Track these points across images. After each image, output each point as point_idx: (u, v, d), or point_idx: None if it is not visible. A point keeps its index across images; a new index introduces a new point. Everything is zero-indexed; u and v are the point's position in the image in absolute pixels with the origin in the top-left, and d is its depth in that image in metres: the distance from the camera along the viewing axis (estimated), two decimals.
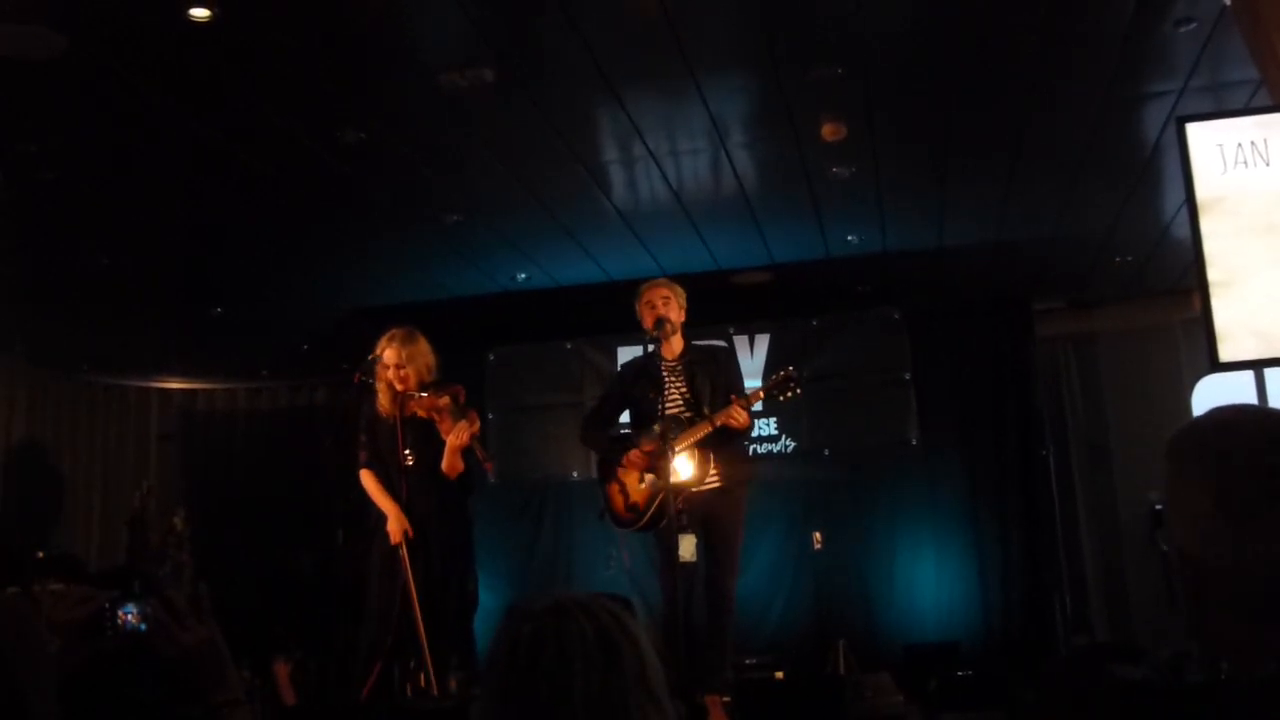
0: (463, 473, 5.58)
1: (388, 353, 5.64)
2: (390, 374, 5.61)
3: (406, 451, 5.59)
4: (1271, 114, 4.38)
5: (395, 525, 5.56)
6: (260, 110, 5.31)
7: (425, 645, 5.41)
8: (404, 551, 5.53)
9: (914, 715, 6.06)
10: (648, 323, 5.68)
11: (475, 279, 8.09)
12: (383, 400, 5.67)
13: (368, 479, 5.71)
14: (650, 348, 5.71)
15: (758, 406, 5.66)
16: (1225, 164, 4.32)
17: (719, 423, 5.42)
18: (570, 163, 6.12)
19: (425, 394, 5.58)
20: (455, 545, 5.74)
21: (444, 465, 5.52)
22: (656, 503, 5.50)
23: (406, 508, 5.56)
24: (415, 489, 5.59)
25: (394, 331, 5.72)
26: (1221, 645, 1.48)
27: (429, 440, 5.57)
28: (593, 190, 6.55)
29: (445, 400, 5.54)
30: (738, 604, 5.78)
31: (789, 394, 5.55)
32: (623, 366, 6.20)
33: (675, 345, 5.75)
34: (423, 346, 5.70)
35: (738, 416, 5.41)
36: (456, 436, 5.45)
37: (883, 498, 8.86)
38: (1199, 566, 1.48)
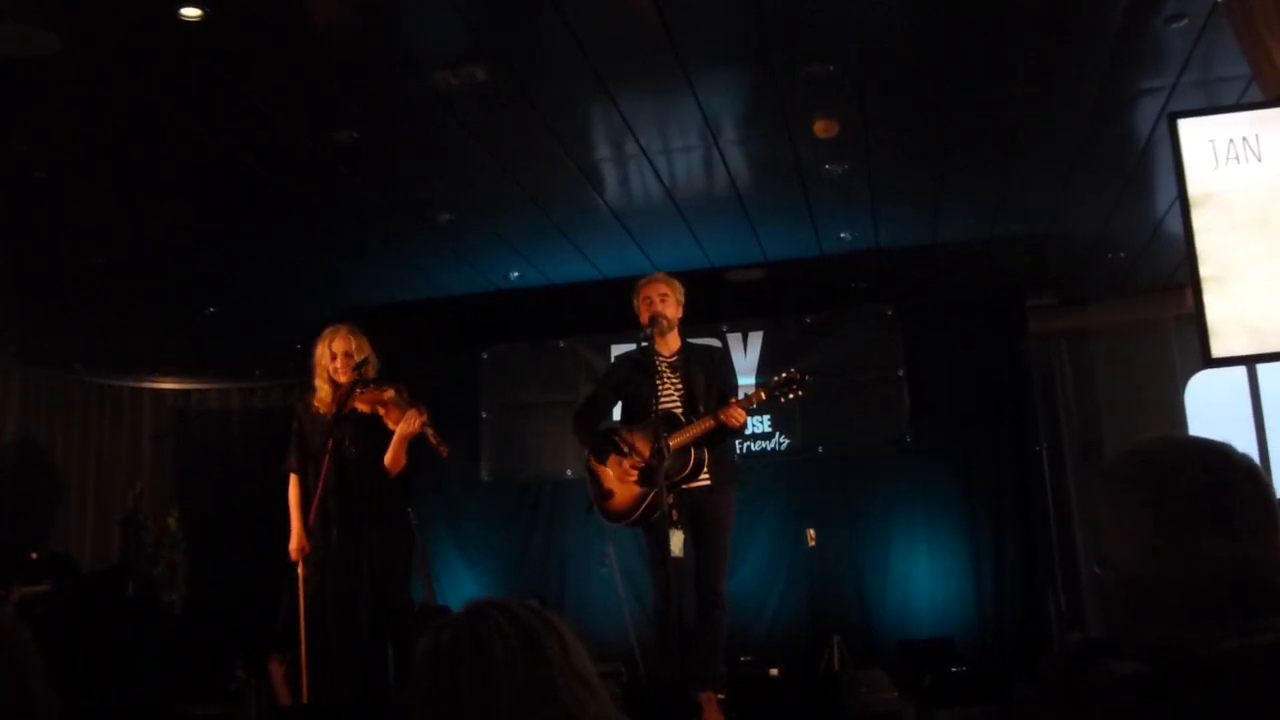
0: (402, 470, 5.48)
1: (336, 342, 5.54)
2: (338, 364, 5.50)
3: (348, 443, 5.44)
4: (1263, 109, 4.38)
5: (294, 543, 5.50)
6: (253, 109, 5.30)
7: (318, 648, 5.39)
8: (300, 568, 5.48)
9: (909, 711, 6.06)
10: (644, 318, 5.67)
11: (469, 277, 8.08)
12: (321, 396, 5.55)
13: (292, 486, 5.63)
14: (644, 344, 5.67)
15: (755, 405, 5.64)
16: (1217, 160, 4.32)
17: (720, 420, 5.41)
18: (563, 161, 6.12)
19: (368, 389, 5.51)
20: (393, 542, 5.63)
21: (388, 458, 5.41)
22: (650, 498, 5.50)
23: (340, 502, 5.41)
24: (353, 482, 5.44)
25: (337, 325, 5.64)
26: (1157, 648, 1.59)
27: (370, 434, 5.47)
28: (586, 188, 6.55)
29: (390, 393, 5.46)
30: (732, 601, 5.77)
31: (792, 395, 5.52)
32: (617, 359, 6.16)
33: (671, 342, 5.74)
34: (367, 341, 5.65)
35: (736, 416, 5.40)
36: (407, 424, 5.34)
37: (876, 495, 8.88)
38: (1139, 581, 1.62)
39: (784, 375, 5.51)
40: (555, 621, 1.71)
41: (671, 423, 5.46)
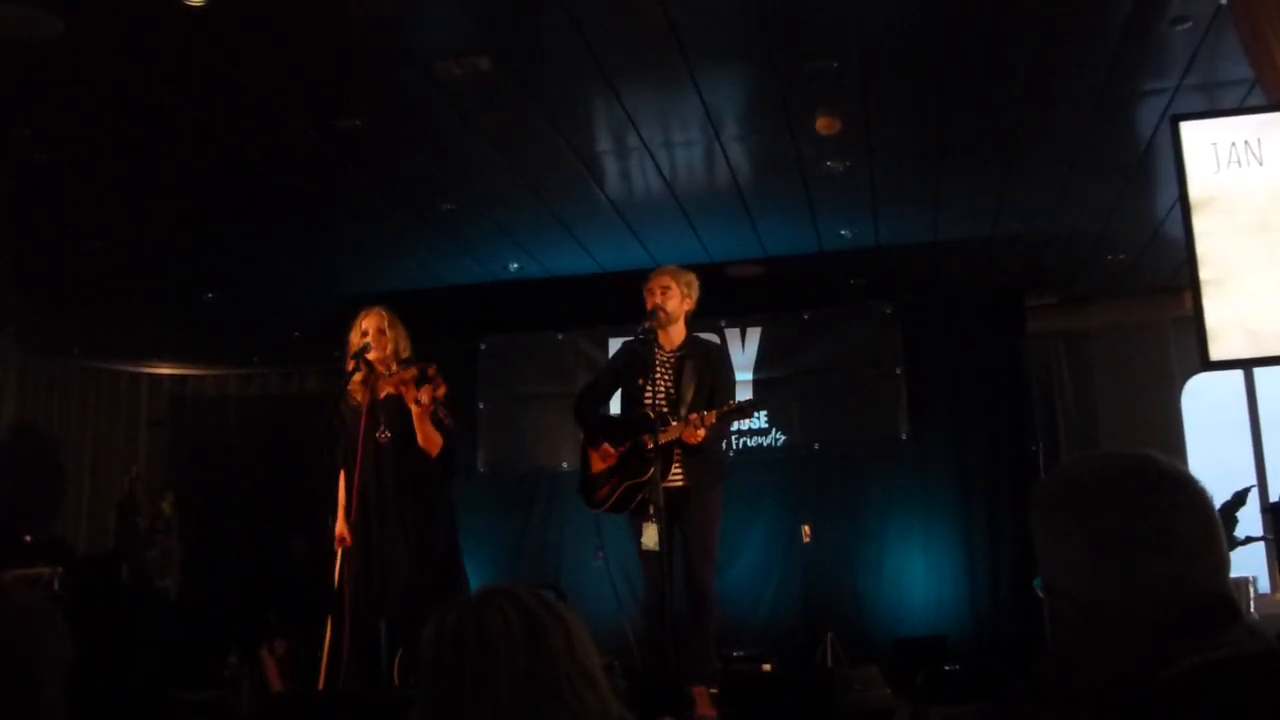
0: (444, 450, 5.46)
1: (367, 320, 5.54)
2: (370, 340, 5.49)
3: (381, 429, 5.44)
4: (1265, 114, 4.39)
5: (337, 530, 5.46)
6: (254, 96, 5.29)
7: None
8: (339, 554, 5.43)
9: (902, 708, 6.07)
10: (649, 309, 5.68)
11: (468, 268, 8.08)
12: (354, 381, 5.54)
13: (341, 478, 5.58)
14: (641, 335, 5.67)
15: (748, 422, 5.62)
16: (1219, 163, 4.33)
17: (673, 436, 5.42)
18: (564, 153, 6.12)
19: (395, 371, 5.49)
20: (431, 524, 5.60)
21: (420, 439, 5.39)
22: (620, 491, 5.57)
23: (377, 485, 5.42)
24: (390, 467, 5.45)
25: (371, 306, 5.65)
26: (1116, 670, 1.56)
27: (404, 417, 5.44)
28: (586, 181, 6.54)
29: (412, 371, 5.44)
30: (726, 596, 5.79)
31: (741, 420, 5.51)
32: (623, 345, 6.08)
33: (674, 336, 5.71)
34: (401, 325, 5.64)
35: (693, 435, 5.38)
36: (417, 405, 5.34)
37: (873, 492, 8.87)
38: (1092, 606, 1.59)
39: (735, 404, 5.48)
40: (564, 613, 1.70)
41: (656, 420, 5.46)
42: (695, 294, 5.75)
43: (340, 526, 5.46)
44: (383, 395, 5.51)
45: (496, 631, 1.62)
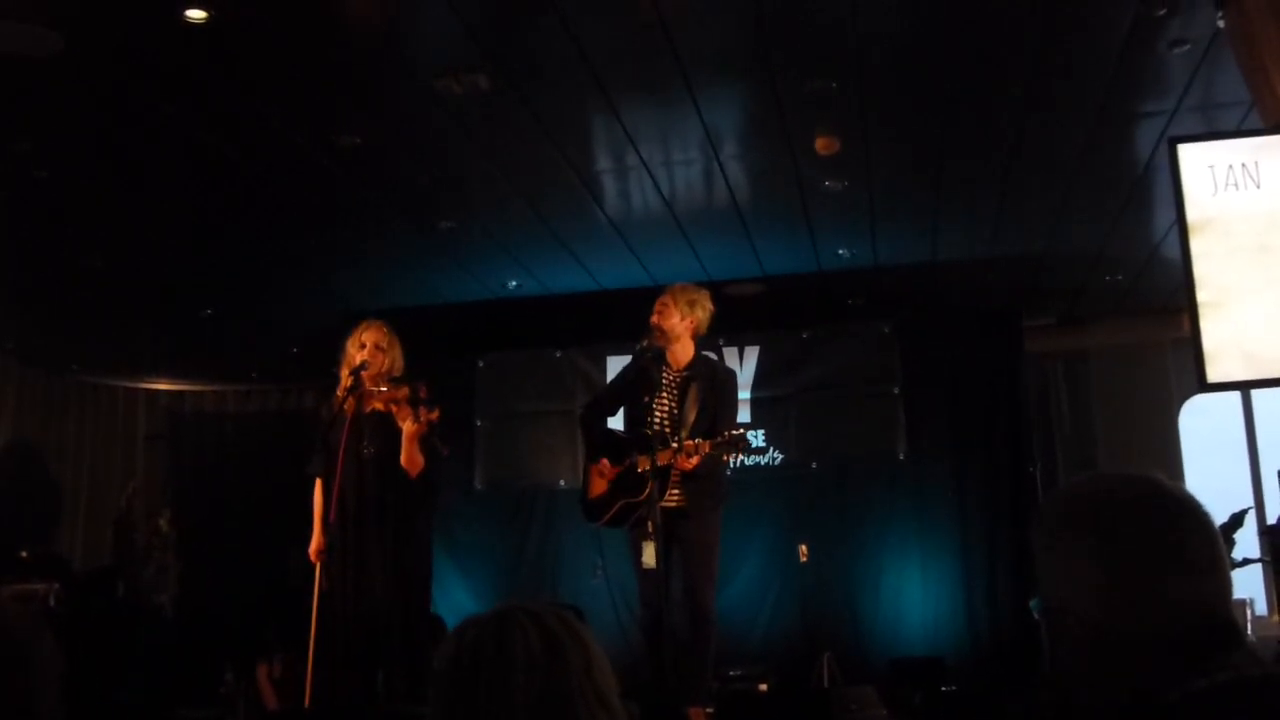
0: (424, 471, 5.39)
1: (367, 333, 5.49)
2: (365, 354, 5.44)
3: (365, 444, 5.37)
4: (1263, 136, 4.40)
5: (314, 545, 5.40)
6: (254, 113, 5.31)
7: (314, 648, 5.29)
8: (318, 569, 5.37)
9: None
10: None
11: (467, 285, 8.09)
12: (341, 393, 5.46)
13: (316, 490, 5.51)
14: (638, 352, 5.64)
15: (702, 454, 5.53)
16: (1216, 185, 4.33)
17: (668, 460, 5.40)
18: (564, 171, 6.13)
19: (386, 387, 5.44)
20: (409, 541, 5.51)
21: (403, 458, 5.31)
22: (617, 507, 5.56)
23: (357, 499, 5.35)
24: (371, 482, 5.36)
25: (371, 320, 5.61)
26: (1121, 693, 1.54)
27: (389, 434, 5.37)
28: (586, 199, 6.56)
29: (404, 391, 5.37)
30: (723, 615, 5.75)
31: (734, 454, 5.46)
32: (633, 359, 5.90)
33: (681, 355, 5.64)
34: (399, 345, 5.62)
35: (686, 463, 5.35)
36: (410, 424, 5.29)
37: (870, 511, 8.85)
38: (1098, 626, 1.56)
39: (733, 434, 5.39)
40: (584, 635, 1.69)
41: (655, 441, 5.43)
42: (701, 313, 5.63)
43: (318, 539, 5.44)
44: (368, 410, 5.48)
45: (515, 650, 1.61)
